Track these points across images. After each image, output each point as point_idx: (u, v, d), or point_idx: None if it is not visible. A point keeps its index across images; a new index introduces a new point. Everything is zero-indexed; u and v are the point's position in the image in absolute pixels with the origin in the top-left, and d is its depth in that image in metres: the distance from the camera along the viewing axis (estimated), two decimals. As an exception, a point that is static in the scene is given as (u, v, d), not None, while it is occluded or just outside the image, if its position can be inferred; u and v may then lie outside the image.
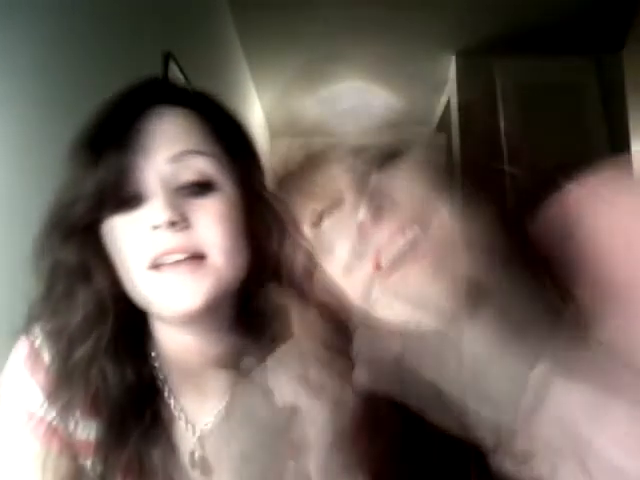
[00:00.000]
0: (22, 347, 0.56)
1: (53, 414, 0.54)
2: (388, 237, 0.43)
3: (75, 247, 0.53)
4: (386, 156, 0.47)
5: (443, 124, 3.53)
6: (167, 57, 1.61)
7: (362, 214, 0.44)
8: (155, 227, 0.49)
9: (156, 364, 0.58)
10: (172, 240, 0.49)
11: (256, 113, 3.61)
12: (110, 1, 1.26)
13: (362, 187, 0.45)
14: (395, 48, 2.89)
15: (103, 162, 0.51)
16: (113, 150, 0.51)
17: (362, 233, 0.44)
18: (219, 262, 0.51)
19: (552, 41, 2.69)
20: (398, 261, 0.43)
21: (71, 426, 0.54)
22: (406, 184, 0.45)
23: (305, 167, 0.50)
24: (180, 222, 0.50)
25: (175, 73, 1.67)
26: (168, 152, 0.52)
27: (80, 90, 1.01)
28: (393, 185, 0.45)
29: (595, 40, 2.69)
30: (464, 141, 2.89)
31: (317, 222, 0.48)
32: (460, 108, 2.88)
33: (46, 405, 0.54)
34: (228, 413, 0.56)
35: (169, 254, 0.50)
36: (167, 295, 0.50)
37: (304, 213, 0.49)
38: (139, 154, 0.51)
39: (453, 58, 3.00)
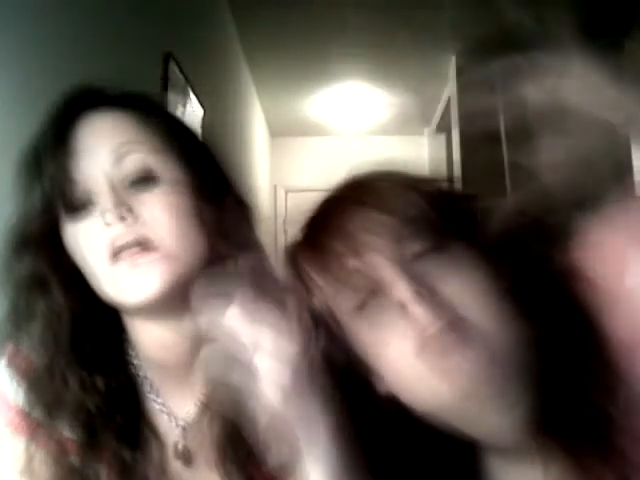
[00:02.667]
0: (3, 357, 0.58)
1: (37, 412, 0.56)
2: (432, 324, 0.41)
3: (30, 259, 0.55)
4: (427, 254, 0.44)
5: (443, 124, 3.53)
6: (167, 57, 1.61)
7: (405, 296, 0.42)
8: (107, 224, 0.52)
9: (135, 361, 0.60)
10: (124, 234, 0.52)
11: (256, 113, 3.62)
12: (110, 1, 1.26)
13: (403, 272, 0.43)
14: (395, 48, 2.89)
15: (46, 173, 0.54)
16: (52, 160, 0.54)
17: (410, 321, 0.42)
18: (171, 249, 0.53)
19: (552, 41, 2.69)
20: (445, 350, 0.41)
21: (57, 424, 0.56)
22: (450, 282, 0.43)
23: (340, 250, 0.45)
24: (129, 216, 0.52)
25: (175, 73, 1.67)
26: (107, 151, 0.54)
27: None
28: (437, 278, 0.43)
29: (595, 41, 2.69)
30: (464, 141, 2.90)
31: (360, 308, 0.45)
32: (460, 108, 2.89)
33: (29, 404, 0.56)
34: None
35: (124, 247, 0.52)
36: (127, 286, 0.53)
37: (337, 296, 0.46)
38: (79, 158, 0.54)
39: (453, 58, 3.01)
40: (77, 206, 0.54)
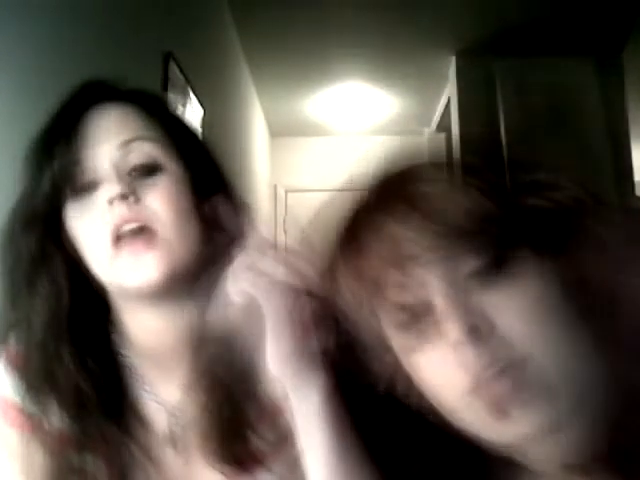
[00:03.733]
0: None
1: (31, 404, 0.58)
2: (488, 368, 0.36)
3: (36, 236, 0.57)
4: (485, 272, 0.37)
5: (443, 124, 3.53)
6: (167, 57, 1.61)
7: (458, 334, 0.36)
8: (110, 200, 0.54)
9: (122, 350, 0.61)
10: (126, 215, 0.54)
11: (256, 113, 3.61)
12: (110, 1, 1.26)
13: (457, 301, 0.37)
14: (395, 48, 2.89)
15: (56, 157, 0.56)
16: (64, 145, 0.56)
17: (462, 360, 0.37)
18: (170, 236, 0.56)
19: (552, 41, 2.69)
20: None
21: (50, 417, 0.57)
22: (512, 312, 0.37)
23: (381, 261, 0.39)
24: (131, 195, 0.55)
25: (175, 73, 1.67)
26: (115, 140, 0.57)
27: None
28: (496, 308, 0.37)
29: (595, 41, 2.69)
30: (464, 141, 2.90)
31: (405, 326, 0.40)
32: (460, 108, 2.88)
33: (21, 394, 0.58)
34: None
35: (124, 223, 0.54)
36: (127, 270, 0.55)
37: (381, 306, 0.41)
38: (88, 146, 0.57)
39: (453, 58, 3.00)
40: (83, 189, 0.56)
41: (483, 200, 0.38)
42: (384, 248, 0.39)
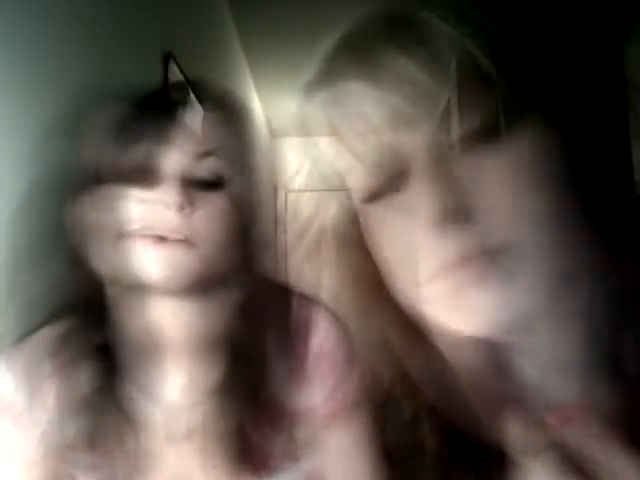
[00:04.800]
0: None
1: (28, 408, 0.59)
2: (461, 250, 0.31)
3: (103, 211, 0.58)
4: (481, 134, 0.31)
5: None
6: (167, 57, 1.61)
7: (432, 213, 0.31)
8: (167, 207, 0.56)
9: (115, 346, 0.62)
10: (176, 220, 0.56)
11: (256, 113, 3.61)
12: (110, 1, 1.26)
13: (439, 167, 0.31)
14: (395, 48, 2.88)
15: (133, 145, 0.57)
16: (145, 138, 0.58)
17: (438, 232, 0.31)
18: (207, 254, 0.57)
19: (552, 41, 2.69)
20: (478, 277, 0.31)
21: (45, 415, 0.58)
22: (501, 181, 0.31)
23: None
24: (187, 208, 0.56)
25: (175, 73, 1.67)
26: (192, 150, 0.58)
27: (81, 90, 1.01)
28: (481, 184, 0.31)
29: (595, 41, 2.69)
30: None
31: (372, 199, 0.35)
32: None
33: (22, 398, 0.59)
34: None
35: (170, 232, 0.56)
36: (157, 266, 0.56)
37: (353, 178, 0.36)
38: (167, 145, 0.58)
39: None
40: (146, 179, 0.57)
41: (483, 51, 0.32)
42: (369, 99, 0.33)
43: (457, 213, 0.31)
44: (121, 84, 0.63)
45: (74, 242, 0.59)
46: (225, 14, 2.58)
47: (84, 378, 0.59)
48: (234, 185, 0.60)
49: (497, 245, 0.31)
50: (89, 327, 0.61)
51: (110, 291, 0.61)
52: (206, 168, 0.58)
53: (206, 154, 0.59)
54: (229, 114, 0.63)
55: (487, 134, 0.31)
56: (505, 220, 0.31)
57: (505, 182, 0.31)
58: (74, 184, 0.59)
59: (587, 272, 0.31)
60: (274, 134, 4.17)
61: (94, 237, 0.58)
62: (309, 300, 0.65)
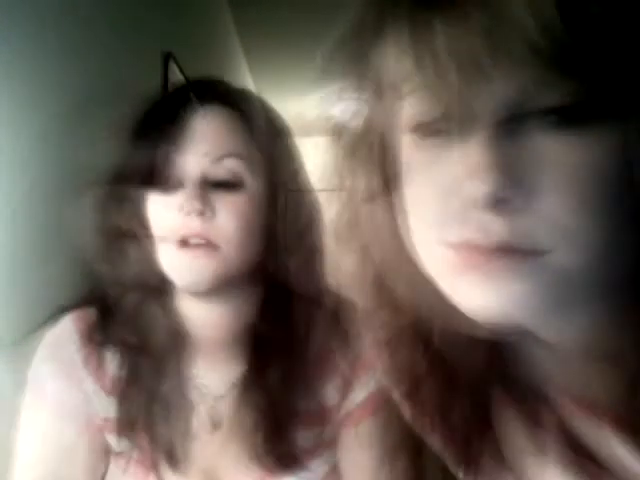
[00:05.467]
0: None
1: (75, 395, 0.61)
2: (494, 236, 0.28)
3: (127, 213, 0.60)
4: (553, 118, 0.27)
5: (443, 124, 3.53)
6: (167, 57, 1.61)
7: (481, 193, 0.27)
8: (187, 212, 0.56)
9: (175, 334, 0.64)
10: (198, 226, 0.57)
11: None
12: (110, 1, 1.26)
13: (499, 150, 0.27)
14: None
15: (154, 147, 0.58)
16: (165, 140, 0.59)
17: (481, 206, 0.28)
18: (231, 254, 0.58)
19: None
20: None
21: (94, 403, 0.61)
22: (559, 187, 0.27)
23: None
24: (207, 212, 0.57)
25: (175, 73, 1.67)
26: (211, 152, 0.59)
27: (81, 90, 1.01)
28: (542, 174, 0.27)
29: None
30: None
31: (424, 131, 0.31)
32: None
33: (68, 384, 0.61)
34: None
35: (192, 237, 0.57)
36: (181, 270, 0.57)
37: (413, 100, 0.31)
38: (185, 147, 0.58)
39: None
40: (168, 184, 0.58)
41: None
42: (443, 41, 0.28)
43: (505, 192, 0.27)
44: (121, 84, 0.63)
45: (79, 243, 0.59)
46: (225, 14, 2.58)
47: (114, 368, 0.60)
48: (254, 185, 0.60)
49: (535, 246, 0.28)
50: (108, 322, 0.62)
51: (115, 291, 0.61)
52: (225, 169, 0.59)
53: (224, 155, 0.59)
54: (247, 113, 0.63)
55: (564, 117, 0.28)
56: (556, 219, 0.27)
57: (571, 175, 0.27)
58: (79, 185, 0.60)
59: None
60: (274, 134, 4.17)
61: (106, 239, 0.59)
62: (331, 297, 0.65)
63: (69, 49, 1.05)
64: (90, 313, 0.63)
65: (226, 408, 0.62)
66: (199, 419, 0.62)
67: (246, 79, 3.22)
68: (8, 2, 0.86)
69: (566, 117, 0.27)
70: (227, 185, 0.59)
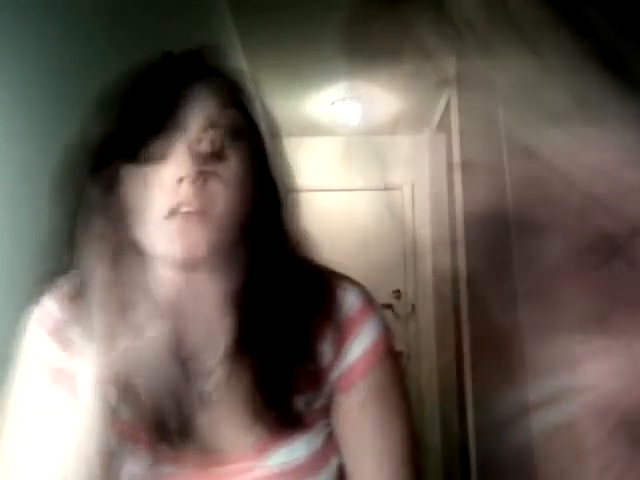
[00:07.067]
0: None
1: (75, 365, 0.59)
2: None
3: (100, 185, 0.59)
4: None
5: (443, 124, 3.53)
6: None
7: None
8: (180, 180, 0.57)
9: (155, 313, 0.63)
10: (190, 193, 0.57)
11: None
12: (110, 1, 1.26)
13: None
14: (395, 48, 2.88)
15: (139, 117, 0.59)
16: (151, 110, 0.59)
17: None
18: (221, 221, 0.58)
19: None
20: None
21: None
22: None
23: None
24: (199, 180, 0.57)
25: (175, 73, 1.67)
26: (198, 122, 0.59)
27: (80, 90, 1.01)
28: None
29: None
30: (464, 141, 2.90)
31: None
32: (460, 108, 2.88)
33: (67, 355, 0.60)
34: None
35: (185, 205, 0.57)
36: (175, 241, 0.57)
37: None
38: (173, 118, 0.59)
39: (454, 58, 3.00)
40: (155, 154, 0.58)
41: None
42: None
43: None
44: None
45: (77, 222, 0.59)
46: (225, 14, 2.58)
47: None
48: (241, 155, 0.61)
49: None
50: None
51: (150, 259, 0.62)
52: (213, 140, 0.59)
53: (212, 126, 0.60)
54: (230, 85, 0.65)
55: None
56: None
57: None
58: (77, 167, 0.60)
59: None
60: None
61: (134, 213, 0.59)
62: (321, 267, 0.67)
63: (69, 49, 1.05)
64: (69, 285, 0.62)
65: (221, 378, 0.62)
66: (194, 392, 0.62)
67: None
68: (7, 3, 0.86)
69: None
70: (216, 156, 0.60)
